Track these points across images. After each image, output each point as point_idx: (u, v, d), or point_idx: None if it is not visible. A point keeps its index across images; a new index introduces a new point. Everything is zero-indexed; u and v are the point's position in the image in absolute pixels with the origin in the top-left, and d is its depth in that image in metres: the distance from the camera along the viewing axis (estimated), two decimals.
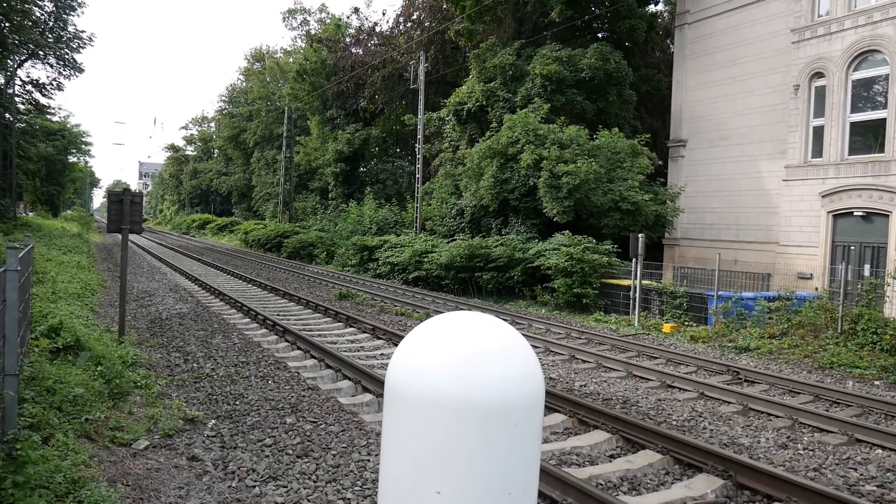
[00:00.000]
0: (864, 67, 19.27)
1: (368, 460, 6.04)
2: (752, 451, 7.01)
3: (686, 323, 15.76)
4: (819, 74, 20.21)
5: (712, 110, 25.20)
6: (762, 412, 8.60)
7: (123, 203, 10.28)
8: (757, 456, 6.85)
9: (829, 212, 19.74)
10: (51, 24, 33.80)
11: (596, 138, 23.22)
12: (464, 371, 2.54)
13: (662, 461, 6.54)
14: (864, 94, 19.45)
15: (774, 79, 22.70)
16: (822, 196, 19.85)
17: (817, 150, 20.32)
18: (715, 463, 6.18)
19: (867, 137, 19.31)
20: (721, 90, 24.88)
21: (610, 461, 6.65)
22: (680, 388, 9.82)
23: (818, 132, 20.30)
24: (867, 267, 18.36)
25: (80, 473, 4.73)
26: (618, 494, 5.74)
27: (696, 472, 6.29)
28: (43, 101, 37.45)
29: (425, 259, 24.34)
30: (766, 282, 19.02)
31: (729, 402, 9.03)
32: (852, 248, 19.19)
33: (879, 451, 7.20)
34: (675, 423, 8.00)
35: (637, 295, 16.61)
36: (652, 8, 31.88)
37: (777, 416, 8.38)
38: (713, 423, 8.04)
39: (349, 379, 9.32)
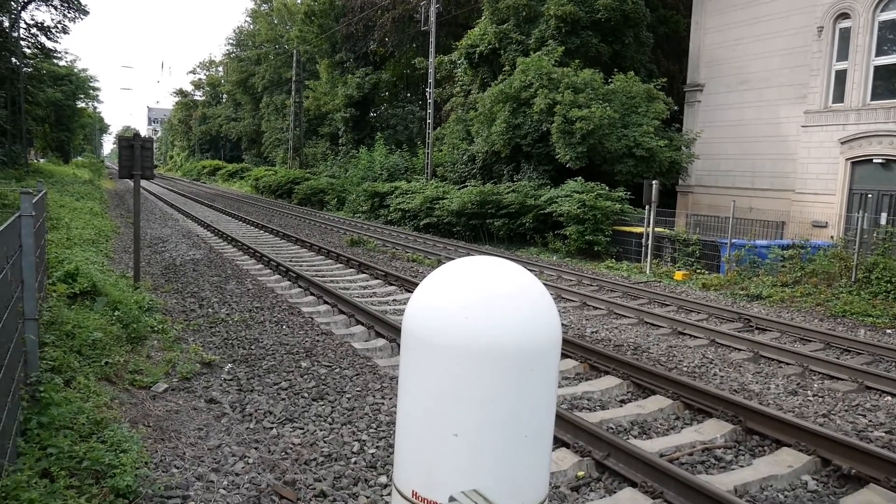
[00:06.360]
0: (893, 8, 18.56)
1: (382, 403, 6.15)
2: (761, 398, 7.07)
3: (698, 271, 15.72)
4: (844, 15, 19.51)
5: (732, 53, 24.48)
6: (773, 359, 8.63)
7: (134, 149, 10.23)
8: (767, 402, 6.91)
9: (847, 159, 19.37)
10: None
11: (611, 82, 22.70)
12: (478, 313, 2.50)
13: (673, 406, 6.62)
14: (891, 36, 18.79)
15: (798, 20, 21.93)
16: (842, 143, 19.44)
17: (838, 95, 19.79)
18: (725, 408, 6.25)
19: (891, 82, 18.76)
20: (742, 32, 24.11)
21: (621, 406, 6.73)
22: (691, 335, 9.86)
23: (840, 76, 19.73)
24: (884, 215, 18.11)
25: (102, 415, 4.83)
26: (628, 438, 5.82)
27: (706, 417, 6.36)
28: (49, 44, 37.08)
29: (436, 205, 24.28)
30: (780, 230, 18.85)
31: (740, 350, 9.07)
32: (870, 196, 18.90)
33: (889, 398, 7.23)
34: (685, 369, 8.06)
35: (650, 242, 16.53)
36: None
37: (787, 364, 8.41)
38: (724, 370, 8.09)
39: (362, 324, 9.41)
